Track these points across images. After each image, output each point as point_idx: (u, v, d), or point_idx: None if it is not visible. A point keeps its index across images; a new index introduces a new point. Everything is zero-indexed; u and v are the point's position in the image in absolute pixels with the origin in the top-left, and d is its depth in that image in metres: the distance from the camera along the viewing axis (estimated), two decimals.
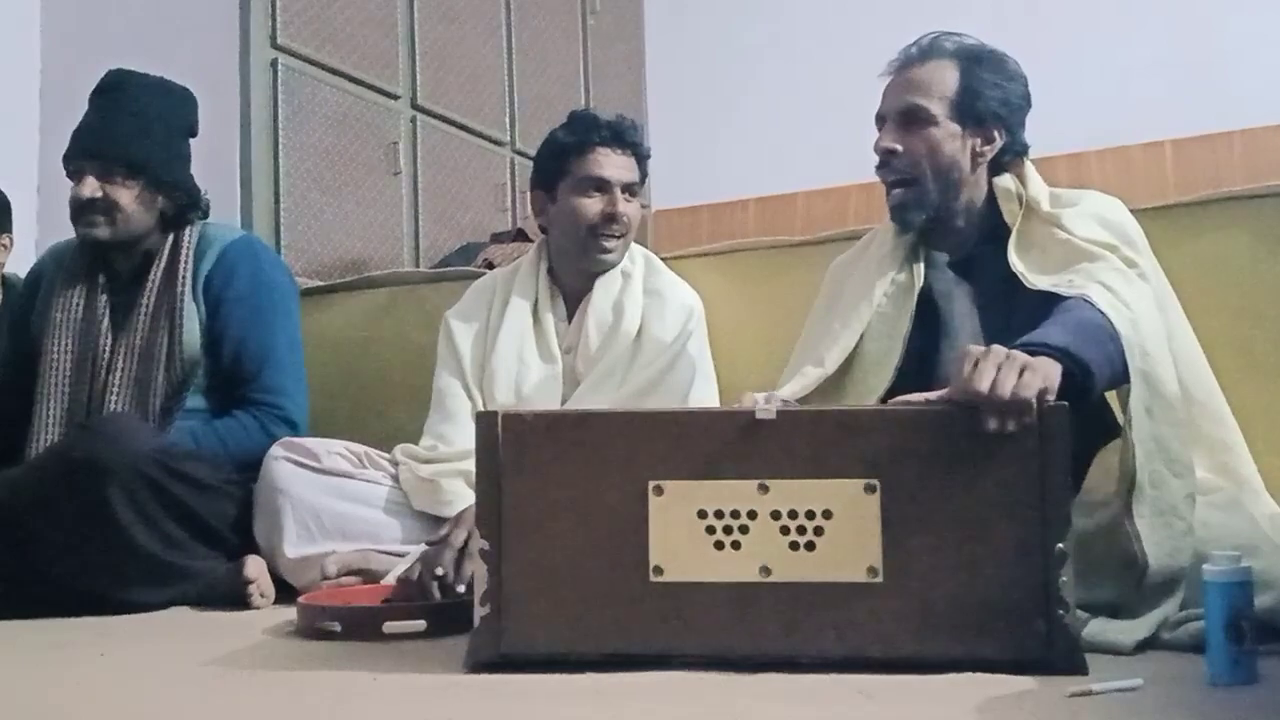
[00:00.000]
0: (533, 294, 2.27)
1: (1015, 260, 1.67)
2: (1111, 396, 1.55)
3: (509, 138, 4.32)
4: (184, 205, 2.32)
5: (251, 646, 1.64)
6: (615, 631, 1.33)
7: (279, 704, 1.28)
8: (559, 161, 2.20)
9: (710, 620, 1.32)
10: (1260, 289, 2.06)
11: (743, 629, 1.32)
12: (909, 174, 1.77)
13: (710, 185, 5.22)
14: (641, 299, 2.23)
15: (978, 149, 1.77)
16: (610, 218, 2.18)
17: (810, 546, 1.32)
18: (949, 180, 1.77)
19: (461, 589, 1.72)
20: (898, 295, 1.81)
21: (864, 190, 4.70)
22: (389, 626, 1.63)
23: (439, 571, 1.74)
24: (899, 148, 1.77)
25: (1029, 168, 1.79)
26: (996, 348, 1.34)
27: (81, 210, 2.24)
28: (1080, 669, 1.25)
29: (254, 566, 2.06)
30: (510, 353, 2.21)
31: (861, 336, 1.80)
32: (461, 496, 2.02)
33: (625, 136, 2.20)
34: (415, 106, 3.85)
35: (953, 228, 1.80)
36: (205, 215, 2.38)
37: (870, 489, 1.31)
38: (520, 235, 3.53)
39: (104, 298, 2.30)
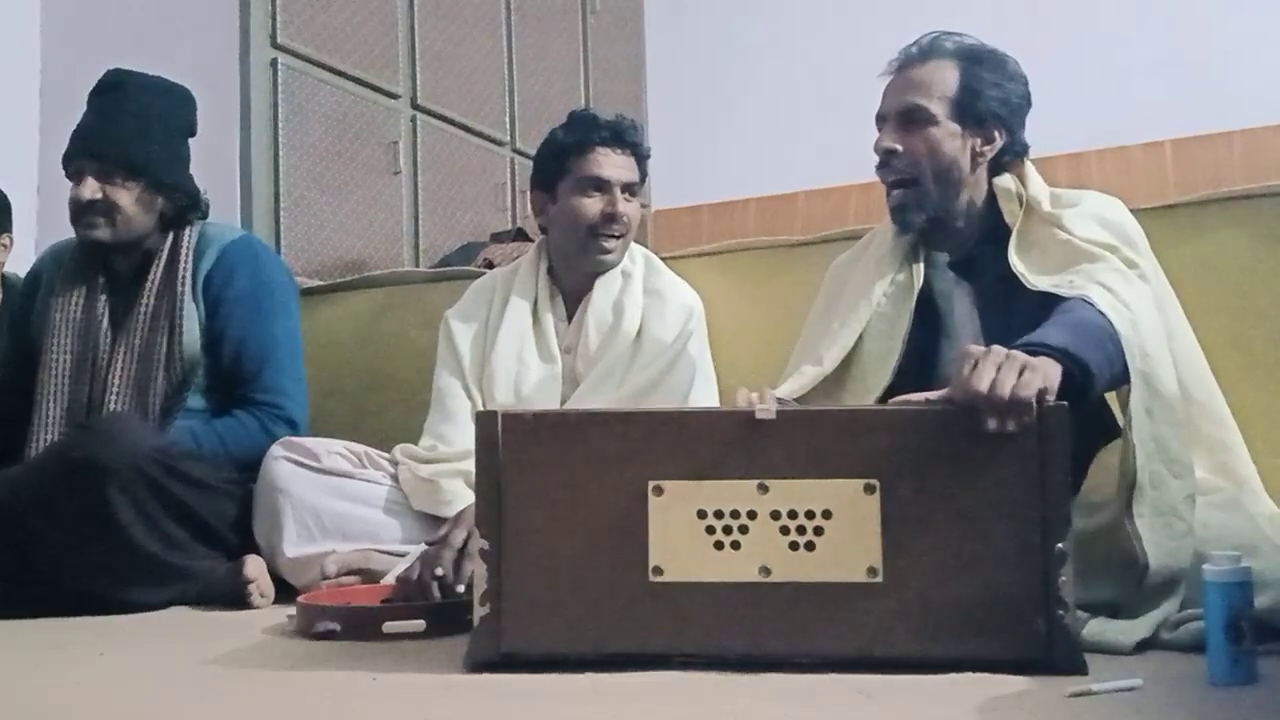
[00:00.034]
0: (532, 294, 2.27)
1: (1015, 260, 1.67)
2: (1111, 397, 1.55)
3: (509, 137, 4.32)
4: (184, 206, 2.31)
5: (251, 646, 1.64)
6: (615, 631, 1.33)
7: (279, 704, 1.27)
8: (559, 161, 2.20)
9: (710, 620, 1.32)
10: (1260, 289, 2.06)
11: (743, 629, 1.32)
12: (909, 174, 1.77)
13: (710, 185, 5.22)
14: (641, 299, 2.22)
15: (978, 149, 1.77)
16: (610, 218, 2.18)
17: (810, 546, 1.32)
18: (949, 180, 1.77)
19: (461, 589, 1.72)
20: (897, 295, 1.81)
21: (864, 190, 4.70)
22: (389, 626, 1.63)
23: (439, 571, 1.74)
24: (899, 148, 1.77)
25: (1029, 168, 1.79)
26: (996, 348, 1.34)
27: (81, 212, 2.24)
28: (1080, 669, 1.25)
29: (254, 566, 2.06)
30: (510, 353, 2.21)
31: (861, 336, 1.80)
32: (461, 496, 2.02)
33: (625, 136, 2.20)
34: (415, 106, 3.85)
35: (953, 228, 1.80)
36: (205, 215, 2.37)
37: (870, 489, 1.31)
38: (520, 235, 3.53)
39: (103, 298, 2.30)
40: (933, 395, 1.38)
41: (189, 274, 2.28)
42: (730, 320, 2.42)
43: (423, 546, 1.87)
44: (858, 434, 1.33)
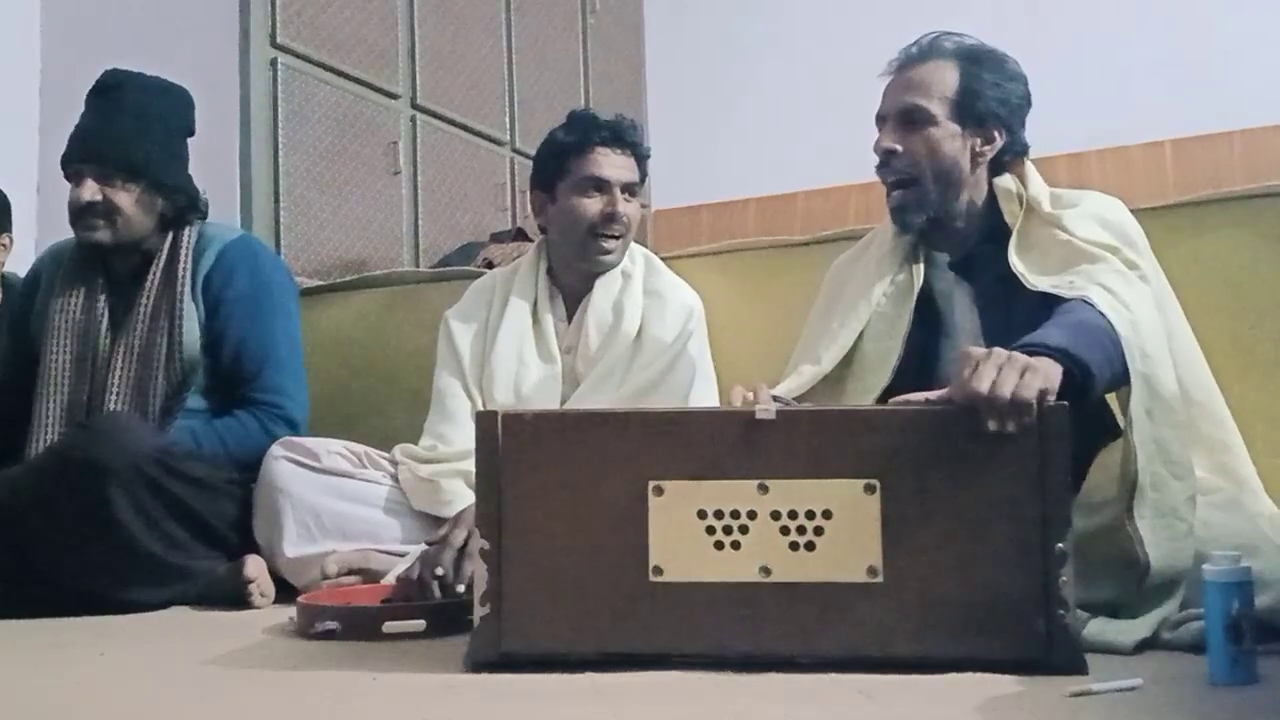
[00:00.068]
0: (532, 294, 2.27)
1: (1015, 261, 1.67)
2: (1111, 398, 1.55)
3: (509, 137, 4.32)
4: (183, 206, 2.31)
5: (251, 646, 1.64)
6: (615, 631, 1.33)
7: (279, 704, 1.27)
8: (558, 161, 2.20)
9: (710, 620, 1.32)
10: (1260, 289, 2.06)
11: (743, 629, 1.32)
12: (909, 174, 1.77)
13: (710, 185, 5.22)
14: (641, 299, 2.22)
15: (978, 149, 1.77)
16: (610, 218, 2.17)
17: (810, 546, 1.32)
18: (949, 180, 1.77)
19: (461, 589, 1.72)
20: (897, 295, 1.81)
21: (864, 190, 4.70)
22: (389, 626, 1.63)
23: (439, 571, 1.74)
24: (899, 148, 1.77)
25: (1029, 168, 1.79)
26: (998, 350, 1.34)
27: (81, 214, 2.24)
28: (1080, 669, 1.25)
29: (254, 566, 2.06)
30: (510, 353, 2.21)
31: (861, 336, 1.80)
32: (461, 496, 2.02)
33: (625, 136, 2.20)
34: (415, 106, 3.85)
35: (953, 228, 1.80)
36: (204, 216, 2.37)
37: (870, 489, 1.31)
38: (520, 235, 3.53)
39: (103, 298, 2.29)
40: (933, 395, 1.38)
41: (188, 274, 2.28)
42: (730, 320, 2.42)
43: (423, 546, 1.87)
44: (858, 434, 1.33)
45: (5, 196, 2.79)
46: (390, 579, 1.91)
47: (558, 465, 1.36)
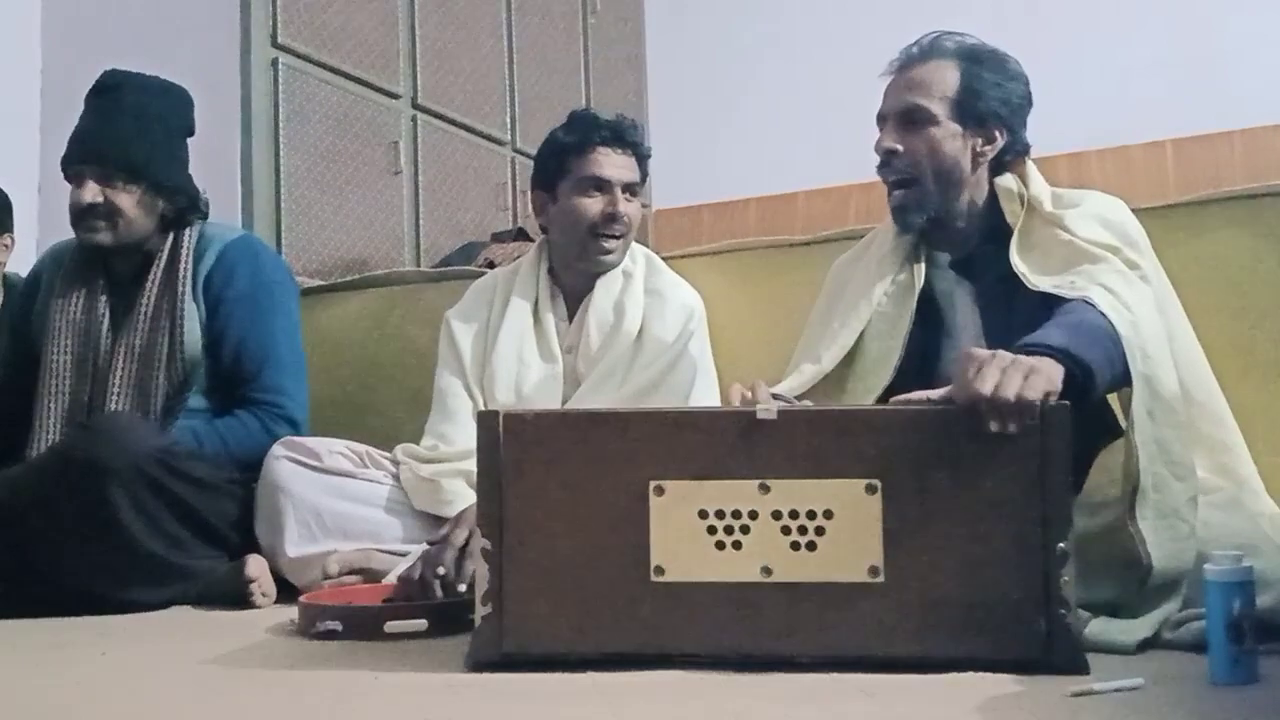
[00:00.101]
0: (533, 294, 2.27)
1: (1017, 261, 1.67)
2: (1113, 398, 1.55)
3: (509, 137, 4.32)
4: (183, 207, 2.31)
5: (252, 646, 1.64)
6: (616, 631, 1.33)
7: (279, 704, 1.28)
8: (559, 161, 2.20)
9: (711, 620, 1.32)
10: (1260, 289, 2.06)
11: (743, 629, 1.32)
12: (910, 174, 1.77)
13: (710, 185, 5.22)
14: (642, 299, 2.22)
15: (979, 149, 1.77)
16: (610, 217, 2.17)
17: (811, 546, 1.32)
18: (950, 180, 1.77)
19: (463, 588, 1.72)
20: (898, 295, 1.81)
21: (864, 190, 4.70)
22: (390, 626, 1.63)
23: (440, 571, 1.74)
24: (900, 148, 1.77)
25: (1030, 167, 1.79)
26: (1001, 353, 1.34)
27: (82, 215, 2.23)
28: (1081, 668, 1.25)
29: (255, 566, 2.06)
30: (510, 352, 2.21)
31: (862, 336, 1.80)
32: (462, 496, 2.02)
33: (625, 136, 2.20)
34: (416, 106, 3.85)
35: (954, 228, 1.80)
36: (205, 216, 2.37)
37: (871, 489, 1.32)
38: (521, 235, 3.53)
39: (104, 298, 2.29)
40: (934, 394, 1.38)
41: (189, 274, 2.28)
42: (730, 320, 2.42)
43: (424, 546, 1.87)
44: (859, 434, 1.33)
45: (6, 196, 2.79)
46: (391, 579, 1.91)
47: (559, 465, 1.36)
